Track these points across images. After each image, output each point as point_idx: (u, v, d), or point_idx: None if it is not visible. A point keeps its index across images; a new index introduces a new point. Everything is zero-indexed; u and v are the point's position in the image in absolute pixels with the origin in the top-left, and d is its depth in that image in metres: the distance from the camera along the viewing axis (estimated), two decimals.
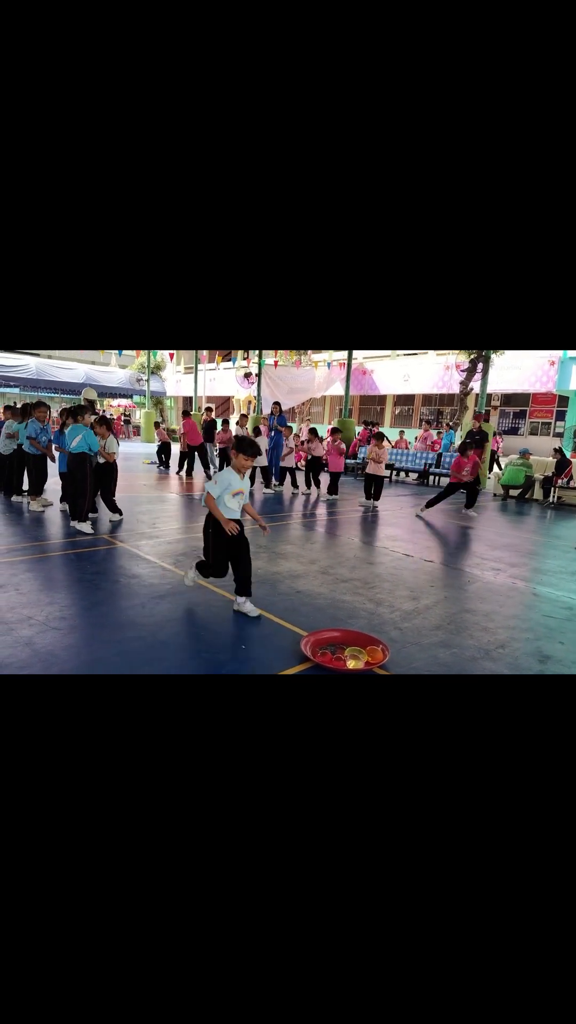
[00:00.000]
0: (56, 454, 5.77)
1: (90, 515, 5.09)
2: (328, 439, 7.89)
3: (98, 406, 8.54)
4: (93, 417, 5.10)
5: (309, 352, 18.70)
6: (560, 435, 15.19)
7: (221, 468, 9.41)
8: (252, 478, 8.30)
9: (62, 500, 5.77)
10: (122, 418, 22.91)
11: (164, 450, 10.87)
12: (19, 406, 6.71)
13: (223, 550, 2.99)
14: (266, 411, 14.98)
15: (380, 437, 7.30)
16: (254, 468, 8.23)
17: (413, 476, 11.38)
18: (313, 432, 8.39)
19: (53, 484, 6.23)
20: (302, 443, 8.26)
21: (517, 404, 17.43)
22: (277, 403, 8.91)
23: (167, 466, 10.67)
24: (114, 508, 5.46)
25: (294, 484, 8.42)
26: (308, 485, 8.19)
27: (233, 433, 8.97)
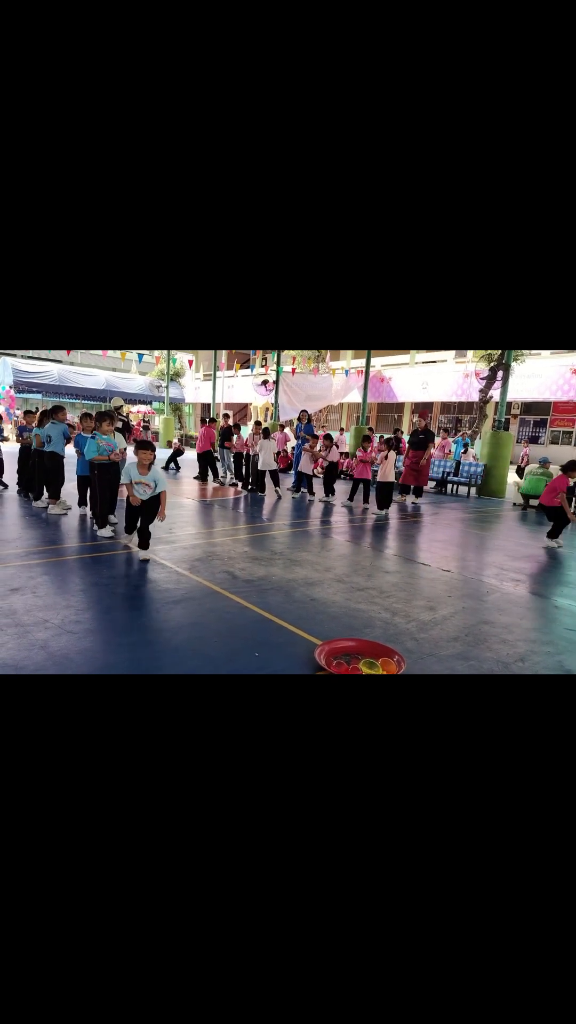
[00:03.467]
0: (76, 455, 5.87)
1: (110, 520, 5.14)
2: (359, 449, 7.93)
3: (124, 411, 8.73)
4: (116, 424, 5.16)
5: (327, 359, 18.75)
6: None
7: (237, 474, 9.46)
8: (261, 483, 8.34)
9: (80, 504, 5.85)
10: (141, 424, 23.23)
11: (175, 456, 11.07)
12: (38, 411, 6.86)
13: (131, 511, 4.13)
14: (283, 417, 15.05)
15: (328, 437, 7.75)
16: (263, 472, 8.24)
17: (432, 484, 11.26)
18: (328, 439, 8.38)
19: (71, 488, 6.31)
20: (323, 451, 8.28)
21: (538, 413, 17.19)
22: (305, 411, 8.93)
23: (178, 468, 10.89)
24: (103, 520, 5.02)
25: (311, 491, 8.41)
26: (327, 492, 8.17)
27: (246, 439, 9.02)
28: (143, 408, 23.82)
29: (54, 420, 5.79)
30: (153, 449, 4.10)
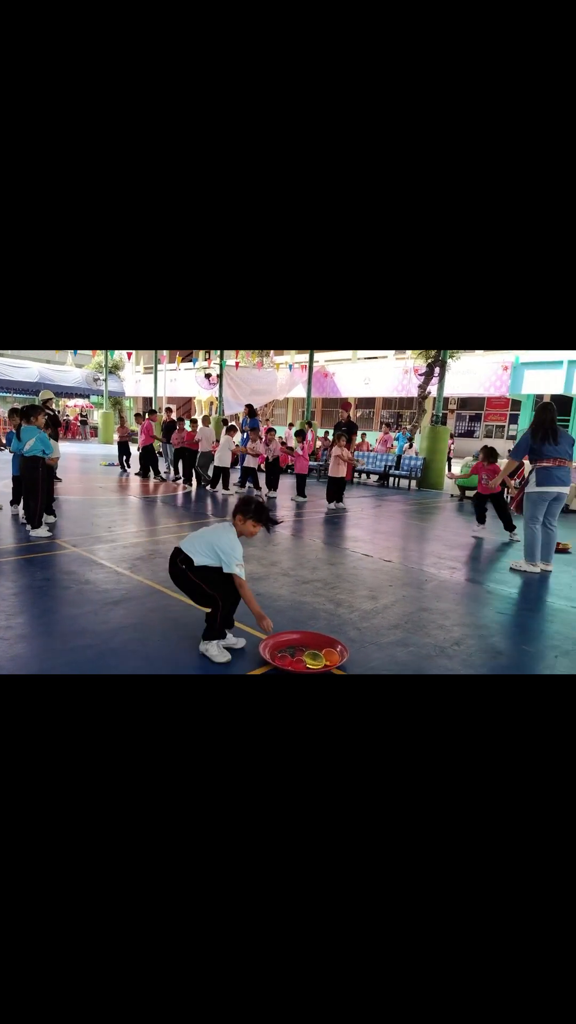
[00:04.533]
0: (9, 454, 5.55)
1: (47, 519, 4.90)
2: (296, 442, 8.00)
3: (54, 406, 8.34)
4: (43, 418, 4.90)
5: (271, 354, 18.71)
6: (513, 438, 15.79)
7: (177, 470, 9.27)
8: (216, 479, 8.26)
9: (12, 503, 5.54)
10: (79, 419, 22.27)
11: (124, 450, 10.56)
12: None
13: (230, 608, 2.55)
14: (228, 411, 14.91)
15: (271, 431, 8.14)
16: (222, 469, 8.15)
17: (374, 478, 11.54)
18: (271, 432, 8.41)
19: (3, 487, 5.97)
20: (285, 447, 8.34)
21: (473, 408, 18.00)
22: (250, 405, 8.86)
23: (125, 467, 10.41)
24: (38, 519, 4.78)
25: (256, 486, 8.39)
26: (269, 487, 8.19)
27: (198, 437, 8.83)
28: (80, 402, 22.82)
29: None
30: (269, 522, 2.56)
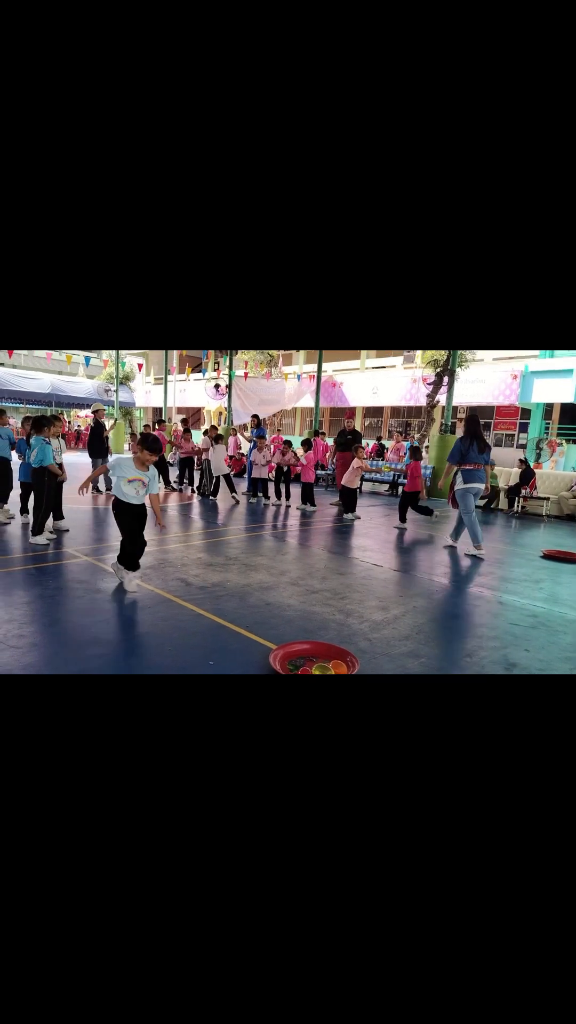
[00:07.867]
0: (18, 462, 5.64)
1: (59, 525, 4.98)
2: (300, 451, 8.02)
3: (104, 418, 8.58)
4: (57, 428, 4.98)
5: (279, 364, 18.84)
6: (523, 446, 15.69)
7: (182, 478, 9.34)
8: (216, 488, 8.30)
9: (23, 512, 5.60)
10: (89, 429, 22.50)
11: None
12: None
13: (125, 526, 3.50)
14: (237, 421, 15.00)
15: (288, 443, 8.41)
16: (218, 477, 8.21)
17: (385, 487, 11.51)
18: (287, 444, 8.46)
19: (12, 496, 6.03)
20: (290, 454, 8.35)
21: (482, 416, 17.91)
22: (255, 416, 8.92)
23: None
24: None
25: (265, 495, 8.41)
26: (279, 496, 8.20)
27: (198, 445, 8.96)
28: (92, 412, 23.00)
29: None
30: (158, 450, 3.38)
